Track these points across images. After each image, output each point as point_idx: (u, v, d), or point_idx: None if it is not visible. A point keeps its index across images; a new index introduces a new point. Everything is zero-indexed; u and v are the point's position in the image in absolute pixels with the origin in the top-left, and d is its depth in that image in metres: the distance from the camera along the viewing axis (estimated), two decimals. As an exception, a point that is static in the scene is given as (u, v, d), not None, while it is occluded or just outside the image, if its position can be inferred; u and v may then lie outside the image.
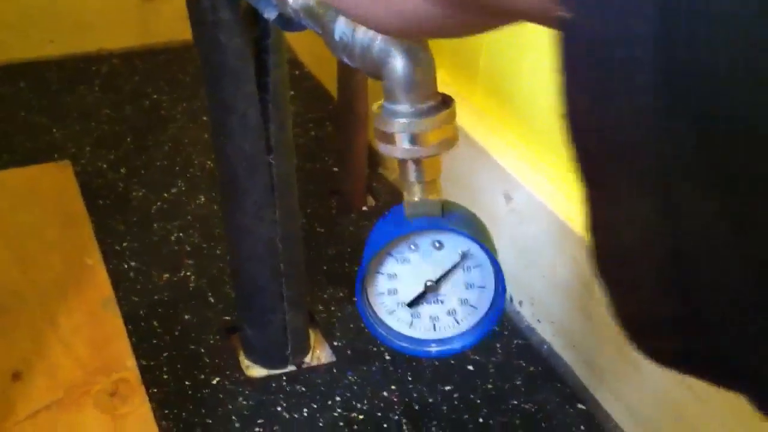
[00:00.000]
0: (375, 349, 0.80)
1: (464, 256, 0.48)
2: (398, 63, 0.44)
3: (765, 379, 0.21)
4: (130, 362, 0.74)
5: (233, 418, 0.72)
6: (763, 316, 0.19)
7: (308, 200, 1.00)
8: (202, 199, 0.99)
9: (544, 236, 0.78)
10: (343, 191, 1.00)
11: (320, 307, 0.84)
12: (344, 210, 0.99)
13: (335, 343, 0.80)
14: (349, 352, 0.80)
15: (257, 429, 0.71)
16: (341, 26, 0.48)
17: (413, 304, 0.49)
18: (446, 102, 0.46)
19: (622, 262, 0.21)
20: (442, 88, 1.01)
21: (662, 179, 0.19)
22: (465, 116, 0.89)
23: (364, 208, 0.99)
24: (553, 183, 0.79)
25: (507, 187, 0.82)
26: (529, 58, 0.79)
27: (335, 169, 1.04)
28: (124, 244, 0.91)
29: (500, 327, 0.83)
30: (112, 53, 1.29)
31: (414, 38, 0.42)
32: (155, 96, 1.19)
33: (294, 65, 1.28)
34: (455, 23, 0.24)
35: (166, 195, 0.99)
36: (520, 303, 0.85)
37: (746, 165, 0.18)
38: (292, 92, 1.21)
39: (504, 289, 0.49)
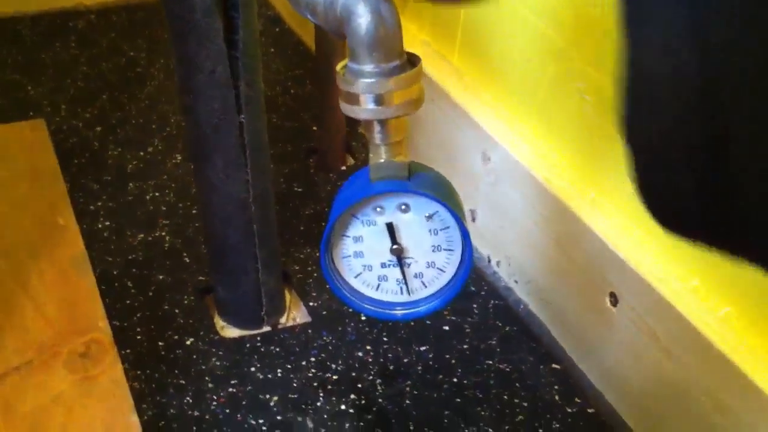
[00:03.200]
0: (350, 309, 0.80)
1: (431, 218, 0.47)
2: (362, 21, 0.43)
3: None
4: (102, 323, 0.73)
5: (206, 378, 0.72)
6: None
7: (286, 159, 0.99)
8: (179, 158, 0.97)
9: (521, 196, 0.77)
10: (322, 150, 0.99)
11: (296, 267, 0.84)
12: (322, 169, 0.98)
13: (311, 304, 0.80)
14: (324, 312, 0.79)
15: (231, 389, 0.71)
16: (304, -18, 0.46)
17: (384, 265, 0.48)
18: (413, 61, 0.45)
19: (652, 112, 0.20)
20: (422, 47, 1.00)
21: None
22: (444, 76, 0.87)
23: (343, 168, 0.98)
24: (530, 143, 0.78)
25: (485, 146, 0.81)
26: (507, 16, 0.78)
27: (314, 127, 1.03)
28: (99, 203, 0.90)
29: (477, 287, 0.83)
30: (89, 9, 1.27)
31: None
32: (132, 53, 1.17)
33: (275, 22, 1.26)
34: None
35: (141, 154, 0.98)
36: (498, 263, 0.84)
37: None
38: (272, 49, 1.20)
39: (471, 252, 0.48)
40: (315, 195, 0.94)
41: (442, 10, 0.89)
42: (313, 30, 0.96)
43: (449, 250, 0.49)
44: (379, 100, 0.44)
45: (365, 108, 0.44)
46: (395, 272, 0.49)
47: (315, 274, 0.83)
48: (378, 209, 0.47)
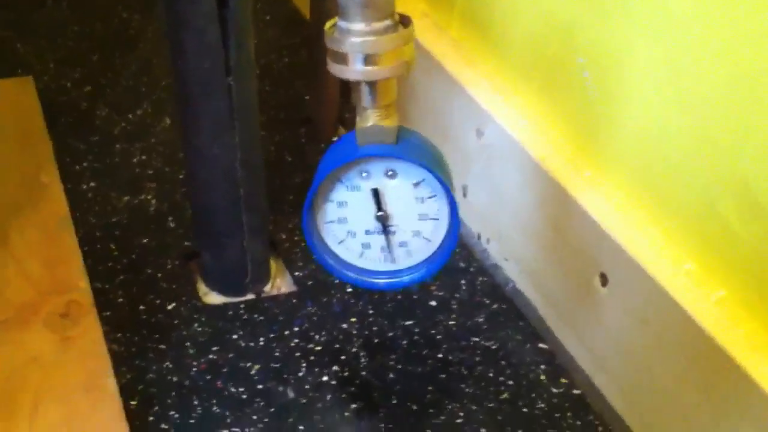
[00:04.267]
0: (337, 280, 0.79)
1: (418, 186, 0.46)
2: (353, -23, 0.41)
3: None
4: (83, 284, 0.72)
5: (187, 344, 0.71)
6: None
7: (278, 127, 0.97)
8: (168, 122, 0.96)
9: (515, 174, 0.76)
10: (314, 120, 0.97)
11: (283, 236, 0.83)
12: (314, 139, 0.97)
13: (296, 273, 0.79)
14: (310, 282, 0.78)
15: (211, 356, 0.70)
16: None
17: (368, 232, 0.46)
18: (404, 22, 0.44)
19: None
20: (420, 18, 0.98)
21: None
22: (441, 47, 0.86)
23: (335, 138, 0.97)
24: (527, 119, 0.76)
25: (479, 121, 0.80)
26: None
27: (307, 97, 1.02)
28: (85, 164, 0.89)
29: (466, 264, 0.82)
30: (84, -33, 1.24)
31: None
32: (125, 14, 1.15)
33: (271, -12, 1.24)
34: None
35: (130, 116, 0.97)
36: (488, 240, 0.83)
37: None
38: (268, 17, 1.18)
39: (458, 223, 0.47)
40: (305, 165, 0.93)
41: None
42: (310, -3, 0.94)
43: (436, 219, 0.47)
44: (368, 60, 0.42)
45: (353, 68, 0.43)
46: (379, 240, 0.48)
47: (302, 244, 0.82)
48: (364, 174, 0.46)
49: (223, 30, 0.62)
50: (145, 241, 0.80)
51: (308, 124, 0.98)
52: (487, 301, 0.78)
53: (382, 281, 0.49)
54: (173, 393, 0.67)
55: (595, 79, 0.67)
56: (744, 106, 0.54)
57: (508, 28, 0.78)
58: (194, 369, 0.69)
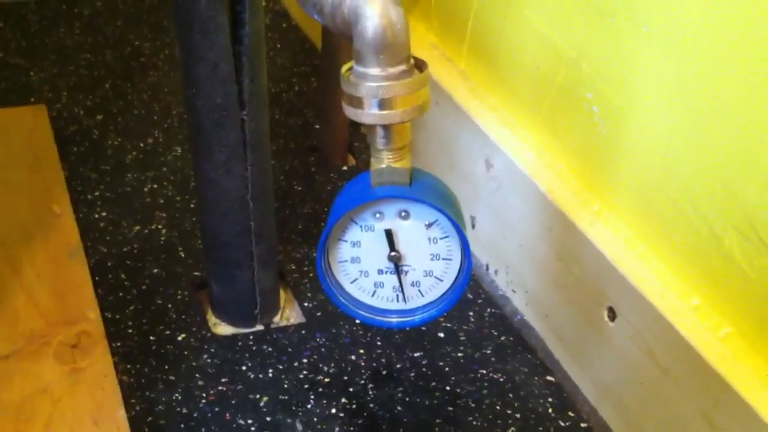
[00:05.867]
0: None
1: (431, 227, 0.47)
2: (369, 23, 0.42)
3: None
4: (94, 314, 0.73)
5: (197, 375, 0.71)
6: None
7: (287, 156, 0.98)
8: (179, 151, 0.97)
9: (523, 205, 0.77)
10: (324, 148, 0.98)
11: (292, 267, 0.83)
12: (323, 168, 0.97)
13: (305, 304, 0.79)
14: (319, 313, 0.79)
15: (221, 387, 0.70)
16: (313, -19, 0.46)
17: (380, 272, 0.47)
18: (419, 67, 0.45)
19: None
20: (430, 50, 0.99)
21: None
22: (450, 79, 0.87)
23: (344, 168, 0.98)
24: (534, 152, 0.77)
25: (488, 152, 0.80)
26: (516, 23, 0.77)
27: (317, 126, 1.02)
28: (96, 193, 0.89)
29: (474, 295, 0.82)
30: (96, -5, 1.26)
31: None
32: (137, 42, 1.16)
33: (281, 17, 1.25)
34: None
35: (141, 145, 0.97)
36: (496, 272, 0.84)
37: None
38: (278, 45, 1.19)
39: (470, 263, 0.47)
40: (315, 194, 0.93)
41: (451, 11, 0.88)
42: (320, 27, 0.95)
43: (448, 259, 0.48)
44: (383, 105, 0.43)
45: (369, 112, 0.43)
46: (392, 279, 0.48)
47: (311, 274, 0.82)
48: (377, 215, 0.47)
49: (237, 64, 0.63)
50: (155, 271, 0.81)
51: (317, 152, 0.99)
52: (495, 333, 0.79)
53: (394, 320, 0.49)
54: (182, 425, 0.67)
55: (601, 112, 0.68)
56: (749, 144, 0.54)
57: (516, 61, 0.78)
58: (203, 400, 0.69)
